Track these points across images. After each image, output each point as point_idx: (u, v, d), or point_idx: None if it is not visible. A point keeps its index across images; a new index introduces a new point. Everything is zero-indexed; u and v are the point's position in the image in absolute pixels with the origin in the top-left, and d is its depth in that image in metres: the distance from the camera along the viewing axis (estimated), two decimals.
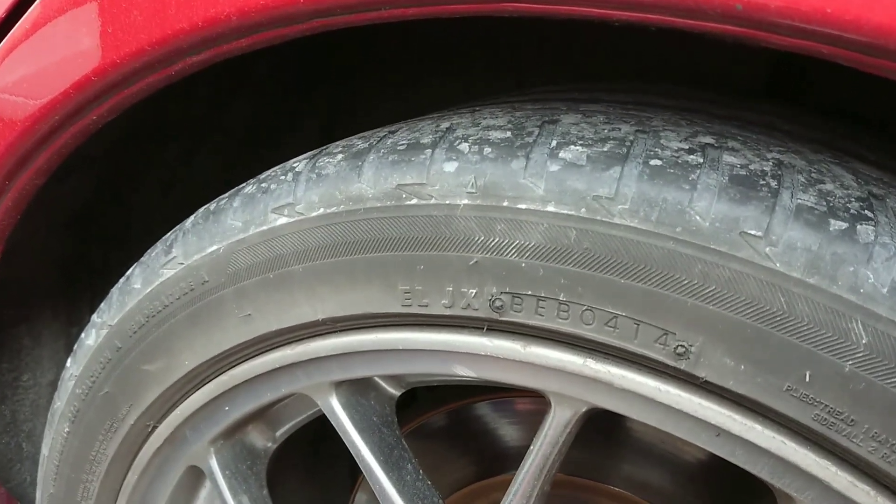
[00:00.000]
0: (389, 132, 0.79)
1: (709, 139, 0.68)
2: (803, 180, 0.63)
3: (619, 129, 0.69)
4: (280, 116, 1.53)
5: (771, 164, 0.65)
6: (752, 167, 0.64)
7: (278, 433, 1.02)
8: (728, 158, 0.65)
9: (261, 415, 0.97)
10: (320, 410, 0.98)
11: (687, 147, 0.66)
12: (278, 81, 1.46)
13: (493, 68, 1.49)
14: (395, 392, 0.89)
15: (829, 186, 0.63)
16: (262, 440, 1.01)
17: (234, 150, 1.48)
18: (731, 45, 0.59)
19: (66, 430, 1.01)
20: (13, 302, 1.24)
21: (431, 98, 1.52)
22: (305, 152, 0.85)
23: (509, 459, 1.23)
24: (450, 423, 1.27)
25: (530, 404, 1.18)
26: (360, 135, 0.83)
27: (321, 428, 1.28)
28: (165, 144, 1.35)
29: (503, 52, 1.48)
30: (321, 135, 1.59)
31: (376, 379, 0.87)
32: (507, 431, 1.24)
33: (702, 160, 0.64)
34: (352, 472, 1.56)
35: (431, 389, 1.30)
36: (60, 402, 1.02)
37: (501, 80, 1.50)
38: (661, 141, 0.67)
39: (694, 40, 0.64)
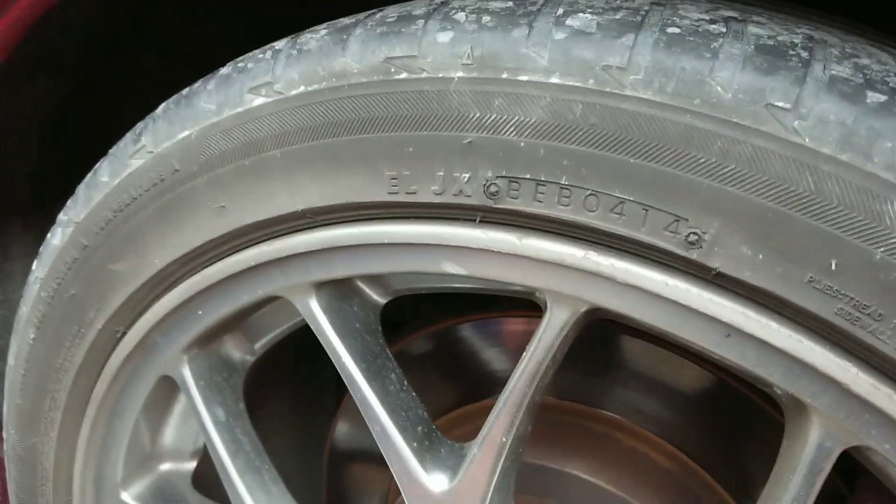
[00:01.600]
0: (379, 9, 0.72)
1: (732, 13, 0.62)
2: (837, 53, 0.57)
3: (633, 0, 0.63)
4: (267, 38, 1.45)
5: (801, 37, 0.58)
6: (780, 38, 0.57)
7: (257, 345, 0.97)
8: (754, 30, 0.58)
9: (238, 324, 0.92)
10: (299, 323, 0.93)
11: (708, 18, 0.60)
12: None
13: None
14: (380, 300, 0.84)
15: (865, 61, 0.56)
16: (240, 352, 0.96)
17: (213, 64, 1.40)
18: None
19: (32, 336, 0.96)
20: None
21: None
22: None
23: (497, 385, 1.19)
24: (434, 345, 1.22)
25: (521, 325, 1.13)
26: (348, 16, 0.76)
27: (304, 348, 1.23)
28: (142, 57, 1.27)
29: None
30: None
31: (359, 283, 0.81)
32: (494, 355, 1.20)
33: (724, 30, 0.58)
34: (337, 402, 1.53)
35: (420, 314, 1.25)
36: (26, 307, 0.97)
37: None
38: (680, 11, 0.60)
39: None
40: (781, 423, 0.96)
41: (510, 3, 0.64)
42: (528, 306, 1.10)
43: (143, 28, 1.21)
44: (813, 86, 0.53)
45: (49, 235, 0.92)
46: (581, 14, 0.60)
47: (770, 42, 0.56)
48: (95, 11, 1.01)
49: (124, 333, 0.90)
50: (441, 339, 1.20)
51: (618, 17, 0.59)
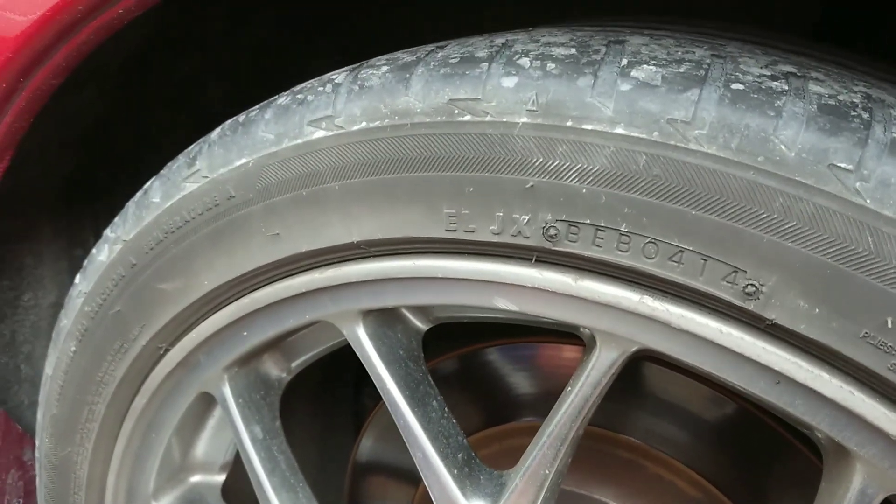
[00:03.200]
0: (438, 47, 0.74)
1: (790, 68, 0.63)
2: None
3: (694, 53, 0.64)
4: (296, 44, 1.47)
5: (860, 96, 0.60)
6: (840, 98, 0.59)
7: (293, 364, 0.98)
8: (814, 88, 0.60)
9: (277, 344, 0.93)
10: (336, 344, 0.95)
11: (769, 73, 0.61)
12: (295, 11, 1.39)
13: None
14: (423, 326, 0.85)
15: None
16: (277, 370, 0.97)
17: (247, 76, 1.41)
18: None
19: (73, 349, 0.97)
20: (17, 214, 1.19)
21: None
22: None
23: (523, 407, 1.20)
24: (462, 367, 1.23)
25: (547, 350, 1.14)
26: (405, 50, 0.77)
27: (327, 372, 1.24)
28: (177, 63, 1.29)
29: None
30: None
31: (404, 311, 0.83)
32: (519, 379, 1.21)
33: (787, 87, 0.59)
34: (356, 420, 1.54)
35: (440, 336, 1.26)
36: (67, 320, 0.98)
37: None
38: (741, 66, 0.62)
39: None
40: (805, 454, 0.98)
41: (573, 51, 0.65)
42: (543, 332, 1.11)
43: (185, 38, 1.22)
44: (875, 148, 0.55)
45: (94, 251, 0.94)
46: (645, 66, 0.62)
47: (832, 102, 0.58)
48: (144, 28, 1.03)
49: (167, 350, 0.91)
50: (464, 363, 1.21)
51: (681, 70, 0.61)
